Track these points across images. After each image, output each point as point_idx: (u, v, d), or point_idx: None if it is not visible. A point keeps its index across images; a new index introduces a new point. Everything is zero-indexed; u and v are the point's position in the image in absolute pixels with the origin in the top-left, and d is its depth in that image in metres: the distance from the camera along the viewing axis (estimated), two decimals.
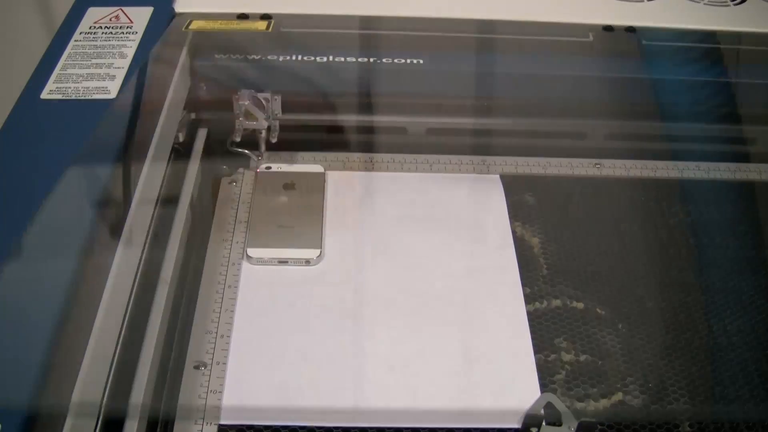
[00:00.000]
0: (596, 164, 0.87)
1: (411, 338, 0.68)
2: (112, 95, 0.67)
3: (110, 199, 0.61)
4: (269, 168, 0.83)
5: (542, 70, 0.88)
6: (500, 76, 0.86)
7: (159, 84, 0.72)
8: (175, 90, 0.75)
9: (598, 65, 0.90)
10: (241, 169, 0.83)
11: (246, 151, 0.82)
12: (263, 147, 0.83)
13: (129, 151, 0.65)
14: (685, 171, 0.87)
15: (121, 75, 0.70)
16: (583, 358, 0.68)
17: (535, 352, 0.67)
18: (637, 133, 0.90)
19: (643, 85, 0.89)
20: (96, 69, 0.70)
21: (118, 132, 0.65)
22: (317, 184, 0.81)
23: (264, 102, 0.79)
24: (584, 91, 0.88)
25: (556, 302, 0.73)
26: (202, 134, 0.83)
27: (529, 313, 0.71)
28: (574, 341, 0.70)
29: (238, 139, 0.79)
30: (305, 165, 0.84)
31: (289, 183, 0.81)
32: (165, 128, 0.72)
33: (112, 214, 0.60)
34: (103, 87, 0.68)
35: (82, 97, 0.67)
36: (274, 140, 0.81)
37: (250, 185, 0.81)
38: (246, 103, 0.77)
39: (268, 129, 0.80)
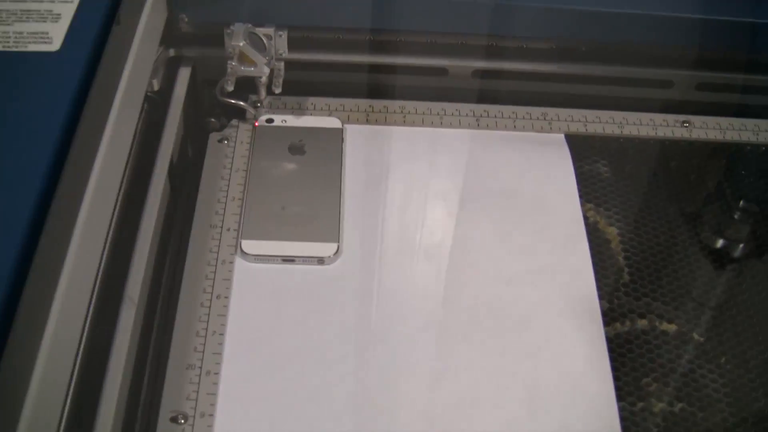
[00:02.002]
0: (684, 122, 0.68)
1: (456, 374, 0.52)
2: (55, 46, 0.47)
3: (61, 174, 0.43)
4: (271, 121, 0.64)
5: (618, 5, 0.67)
6: (568, 10, 0.65)
7: (124, 22, 0.52)
8: (148, 22, 0.55)
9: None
10: (234, 121, 0.64)
11: (241, 102, 0.63)
12: (263, 93, 0.63)
13: (87, 106, 0.46)
14: None
15: (68, 13, 0.49)
16: (678, 407, 0.53)
17: (618, 399, 0.51)
18: (735, 84, 0.70)
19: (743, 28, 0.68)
20: (34, 3, 0.50)
21: (69, 85, 0.46)
22: (333, 144, 0.63)
23: (265, 40, 0.59)
24: (671, 32, 0.68)
25: (642, 323, 0.57)
26: (183, 75, 0.63)
27: (608, 340, 0.54)
28: (666, 382, 0.54)
29: (230, 88, 0.60)
30: (318, 118, 0.65)
31: (297, 143, 0.62)
32: (135, 70, 0.53)
33: (64, 197, 0.43)
34: (42, 33, 0.48)
35: (12, 49, 0.47)
36: (278, 89, 0.62)
37: (247, 144, 0.63)
38: (241, 45, 0.57)
39: (271, 73, 0.61)
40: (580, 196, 0.62)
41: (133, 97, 0.54)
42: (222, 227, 0.57)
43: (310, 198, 0.59)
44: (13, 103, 0.44)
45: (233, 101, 0.62)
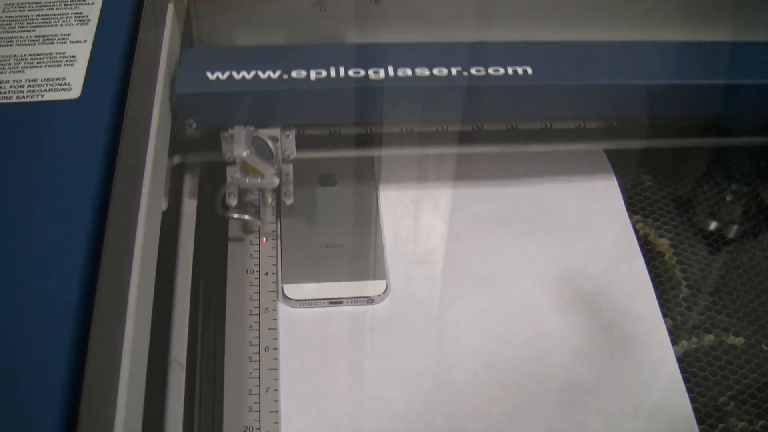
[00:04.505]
0: None
1: (528, 417, 0.49)
2: (75, 93, 0.43)
3: (104, 238, 0.39)
4: None
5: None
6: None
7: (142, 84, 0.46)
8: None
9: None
10: None
11: (245, 216, 0.55)
12: (269, 199, 0.55)
13: (119, 161, 0.41)
14: None
15: (84, 54, 0.45)
16: (760, 425, 0.50)
17: (698, 422, 0.49)
18: None
19: None
20: (44, 46, 0.45)
21: (96, 135, 0.42)
22: (365, 172, 0.59)
23: (270, 143, 0.52)
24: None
25: (709, 338, 0.54)
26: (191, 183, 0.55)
27: (678, 359, 0.52)
28: (744, 400, 0.51)
29: (234, 203, 0.51)
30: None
31: (327, 173, 0.59)
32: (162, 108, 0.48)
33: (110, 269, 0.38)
34: (58, 79, 0.43)
35: (28, 99, 0.43)
36: (290, 200, 0.53)
37: None
38: (244, 155, 0.50)
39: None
40: (627, 209, 0.60)
41: (163, 141, 0.50)
42: (259, 272, 0.54)
43: (348, 232, 0.56)
44: (40, 166, 0.40)
45: (236, 216, 0.54)
